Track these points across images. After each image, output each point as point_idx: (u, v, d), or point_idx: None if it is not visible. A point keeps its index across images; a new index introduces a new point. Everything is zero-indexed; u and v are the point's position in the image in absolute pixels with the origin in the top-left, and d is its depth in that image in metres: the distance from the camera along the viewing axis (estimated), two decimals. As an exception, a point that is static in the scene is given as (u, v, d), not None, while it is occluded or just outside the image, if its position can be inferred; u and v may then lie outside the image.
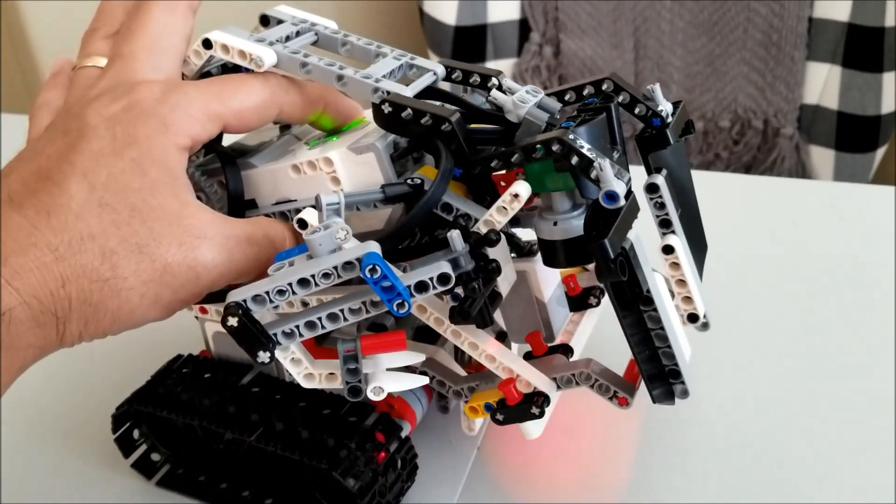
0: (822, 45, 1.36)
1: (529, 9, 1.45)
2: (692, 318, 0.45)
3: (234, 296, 0.36)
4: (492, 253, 0.39)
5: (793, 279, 0.68)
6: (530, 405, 0.42)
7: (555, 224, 0.38)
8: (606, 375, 0.44)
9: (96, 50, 0.44)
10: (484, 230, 0.39)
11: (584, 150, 0.36)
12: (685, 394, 0.42)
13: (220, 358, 0.51)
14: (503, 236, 0.39)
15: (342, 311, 0.37)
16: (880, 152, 1.38)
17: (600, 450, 0.53)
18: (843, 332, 0.62)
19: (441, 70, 0.45)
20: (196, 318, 0.50)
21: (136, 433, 0.51)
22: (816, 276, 0.68)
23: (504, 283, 0.41)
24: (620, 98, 0.43)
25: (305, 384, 0.41)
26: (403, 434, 0.48)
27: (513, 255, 0.44)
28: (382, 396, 0.39)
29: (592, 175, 0.36)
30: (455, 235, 0.36)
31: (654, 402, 0.43)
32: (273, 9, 0.48)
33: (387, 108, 0.40)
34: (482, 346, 0.42)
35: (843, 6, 1.32)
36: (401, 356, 0.40)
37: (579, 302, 0.49)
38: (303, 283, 0.36)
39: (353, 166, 0.41)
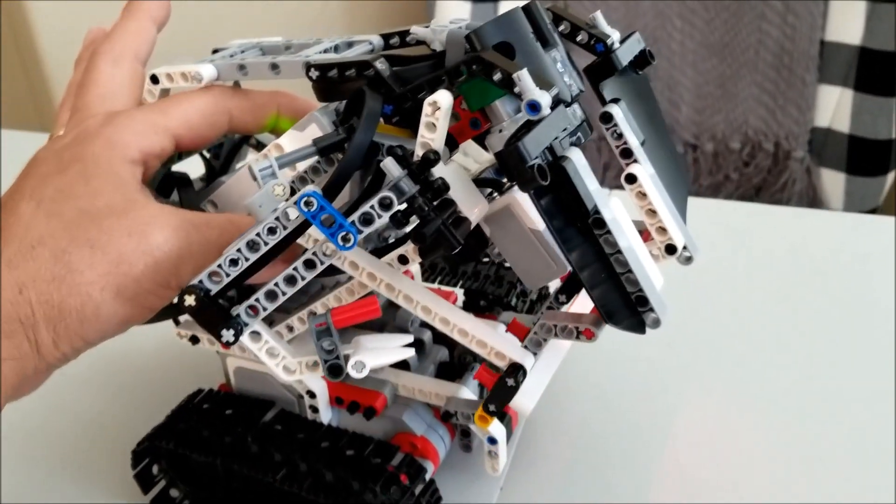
0: (833, 68, 1.35)
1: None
2: (670, 249, 0.43)
3: (193, 279, 0.36)
4: (446, 175, 0.37)
5: (798, 309, 0.68)
6: (505, 379, 0.41)
7: (500, 132, 0.37)
8: (569, 318, 0.42)
9: (64, 120, 0.45)
10: (421, 152, 0.37)
11: (502, 64, 0.35)
12: (657, 323, 0.39)
13: (241, 393, 0.50)
14: (438, 153, 0.37)
15: (295, 269, 0.36)
16: (891, 176, 1.37)
17: (624, 493, 0.53)
18: (848, 358, 0.62)
19: (377, 40, 0.45)
20: (217, 353, 0.49)
21: (155, 468, 0.50)
22: (822, 305, 0.68)
23: (470, 209, 0.38)
24: (561, 27, 0.42)
25: (285, 377, 0.39)
26: (427, 476, 0.47)
27: (494, 194, 0.44)
28: (364, 373, 0.37)
29: (515, 90, 0.35)
30: (389, 162, 0.35)
31: (622, 328, 0.40)
32: (227, 43, 0.49)
33: (314, 74, 0.40)
34: (453, 320, 0.41)
35: (856, 29, 1.31)
36: (388, 352, 0.39)
37: None
38: (251, 245, 0.35)
39: (303, 144, 0.40)
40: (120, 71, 0.44)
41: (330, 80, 0.40)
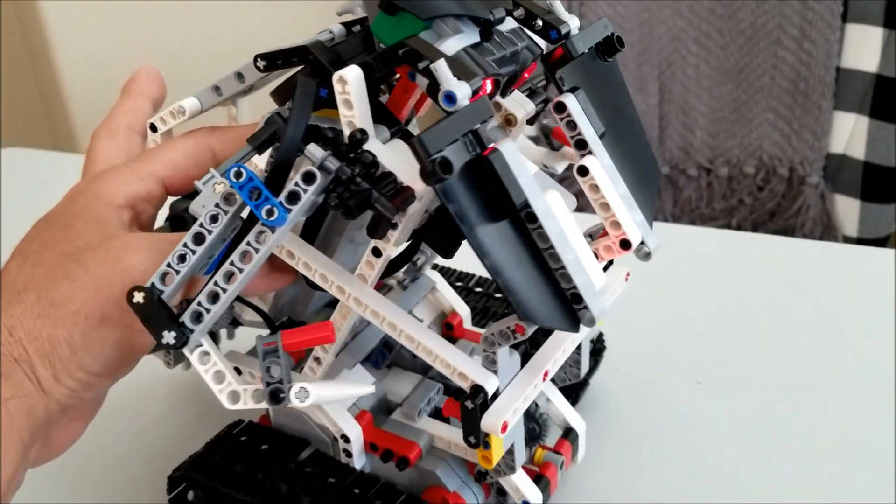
0: (849, 94, 1.35)
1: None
2: (624, 244, 0.41)
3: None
4: (386, 151, 0.37)
5: (807, 342, 0.68)
6: (465, 403, 0.40)
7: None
8: (506, 321, 0.41)
9: None
10: (348, 131, 0.37)
11: (425, 52, 0.35)
12: (592, 322, 0.38)
13: (279, 428, 0.50)
14: (366, 131, 0.36)
15: (231, 262, 0.36)
16: (905, 203, 1.37)
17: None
18: (856, 392, 0.62)
19: (338, 28, 0.44)
20: None
21: (190, 495, 0.50)
22: (831, 340, 0.68)
23: (414, 179, 0.36)
24: (517, 13, 0.41)
25: (229, 405, 0.37)
26: None
27: None
28: (308, 402, 0.35)
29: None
30: (311, 148, 0.35)
31: (554, 327, 0.39)
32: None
33: (261, 63, 0.41)
34: (418, 338, 0.41)
35: (872, 57, 1.32)
36: (345, 386, 0.38)
37: None
38: (197, 238, 0.36)
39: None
40: (115, 143, 0.46)
41: (288, 84, 0.41)
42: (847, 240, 1.39)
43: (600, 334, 0.61)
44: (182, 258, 0.36)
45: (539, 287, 0.37)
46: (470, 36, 0.37)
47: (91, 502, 0.55)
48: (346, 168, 0.35)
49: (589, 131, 0.41)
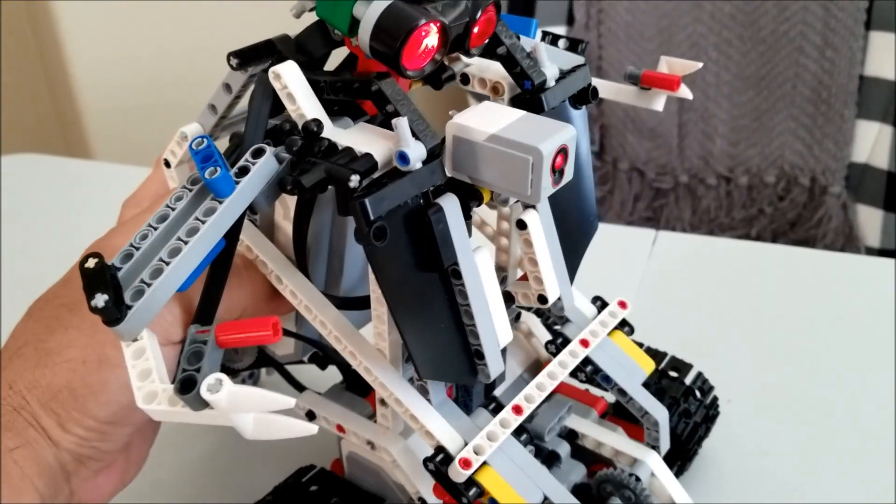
0: (872, 103, 1.33)
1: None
2: (542, 299, 0.44)
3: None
4: (349, 134, 0.37)
5: (830, 356, 0.66)
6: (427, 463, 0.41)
7: None
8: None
9: None
10: (300, 124, 0.37)
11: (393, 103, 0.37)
12: (487, 377, 0.41)
13: (352, 480, 0.47)
14: (321, 122, 0.37)
15: (178, 238, 0.34)
16: (930, 214, 1.35)
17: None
18: (885, 403, 0.61)
19: None
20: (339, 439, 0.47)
21: None
22: (854, 352, 0.67)
23: (373, 147, 0.37)
24: (499, 50, 0.42)
25: (142, 404, 0.32)
26: None
27: None
28: (220, 394, 0.29)
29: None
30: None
31: (449, 380, 0.42)
32: None
33: (234, 62, 0.41)
34: (391, 388, 0.41)
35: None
36: (262, 396, 0.31)
37: None
38: (161, 217, 0.35)
39: None
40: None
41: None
42: (870, 251, 1.37)
43: (714, 399, 0.56)
44: (144, 237, 0.34)
45: (449, 338, 0.40)
46: None
47: None
48: (297, 139, 0.36)
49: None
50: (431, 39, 0.37)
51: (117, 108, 1.43)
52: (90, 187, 0.93)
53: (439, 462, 0.40)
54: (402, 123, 0.35)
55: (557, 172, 0.37)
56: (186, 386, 0.30)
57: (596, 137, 1.46)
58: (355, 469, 0.47)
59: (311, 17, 0.41)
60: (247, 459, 0.58)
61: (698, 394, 0.54)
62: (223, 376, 0.29)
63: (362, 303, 0.43)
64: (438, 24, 0.37)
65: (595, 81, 0.50)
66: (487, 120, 0.38)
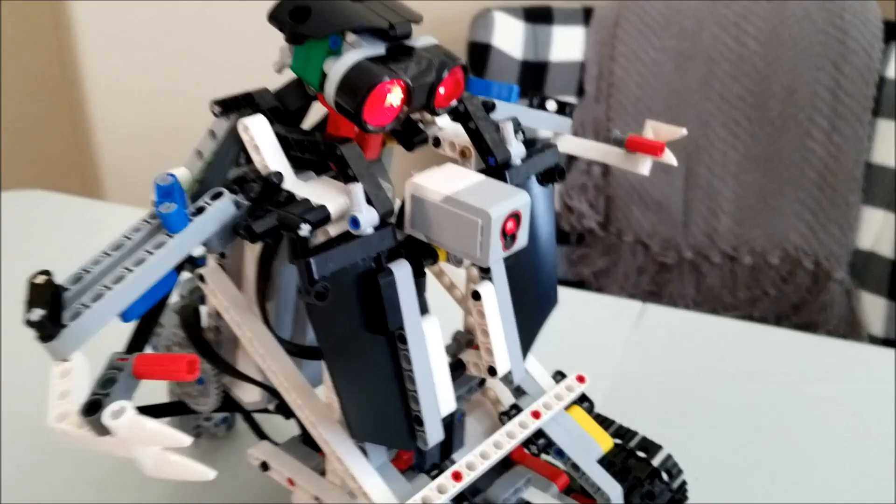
0: (878, 190, 1.33)
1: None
2: (491, 370, 0.45)
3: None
4: (308, 186, 0.39)
5: (827, 445, 0.65)
6: None
7: None
8: None
9: None
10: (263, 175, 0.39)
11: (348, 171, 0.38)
12: (425, 444, 0.41)
13: None
14: (282, 174, 0.38)
15: (125, 267, 0.35)
16: (934, 304, 1.34)
17: None
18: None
19: None
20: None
21: None
22: (852, 444, 0.65)
23: (328, 202, 0.37)
24: (469, 124, 0.43)
25: (52, 422, 0.32)
26: None
27: None
28: (121, 421, 0.30)
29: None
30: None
31: (386, 444, 0.42)
32: None
33: (216, 109, 0.41)
34: (333, 446, 0.41)
35: (903, 154, 1.30)
36: (166, 435, 0.31)
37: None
38: (116, 245, 0.36)
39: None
40: None
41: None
42: (873, 339, 1.35)
43: (683, 483, 0.54)
44: (96, 262, 0.35)
45: (388, 402, 0.40)
46: (374, 49, 0.38)
47: None
48: (255, 186, 0.37)
49: (496, 263, 0.43)
50: (395, 97, 0.38)
51: (133, 151, 1.46)
52: (97, 226, 0.95)
53: None
54: (356, 189, 0.36)
55: (509, 237, 0.38)
56: (91, 409, 0.31)
57: (601, 208, 1.46)
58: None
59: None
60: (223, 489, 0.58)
61: (665, 476, 0.53)
62: (128, 404, 0.30)
63: (317, 353, 0.43)
64: (402, 83, 0.38)
65: (584, 143, 0.51)
66: (445, 181, 0.38)
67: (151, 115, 1.46)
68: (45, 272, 0.34)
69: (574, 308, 0.83)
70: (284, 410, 0.50)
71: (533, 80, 1.43)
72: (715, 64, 1.39)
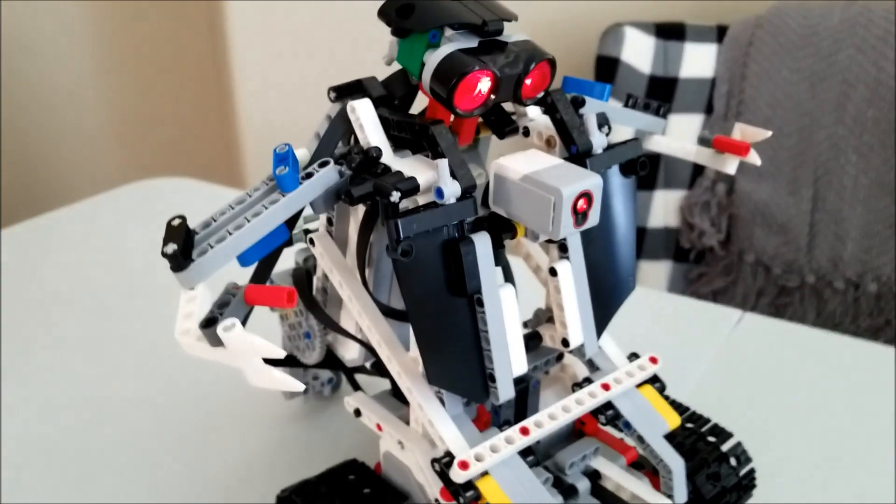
0: None
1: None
2: (564, 342, 0.49)
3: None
4: (403, 161, 0.44)
5: None
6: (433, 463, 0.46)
7: None
8: None
9: None
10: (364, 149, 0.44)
11: (437, 148, 0.43)
12: (497, 399, 0.45)
13: (386, 478, 0.52)
14: (381, 149, 0.44)
15: (245, 217, 0.41)
16: None
17: None
18: None
19: None
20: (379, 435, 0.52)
21: None
22: None
23: (419, 175, 0.43)
24: (556, 116, 0.47)
25: (177, 335, 0.38)
26: None
27: None
28: (231, 333, 0.36)
29: None
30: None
31: (459, 393, 0.46)
32: None
33: (332, 95, 0.47)
34: (416, 394, 0.46)
35: None
36: (266, 347, 0.36)
37: None
38: (240, 200, 0.42)
39: None
40: None
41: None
42: None
43: (751, 470, 0.57)
44: (222, 213, 0.42)
45: (466, 357, 0.44)
46: (468, 43, 0.43)
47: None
48: (356, 155, 0.43)
49: (573, 244, 0.47)
50: (484, 85, 0.43)
51: (274, 143, 1.58)
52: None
53: (444, 463, 0.44)
54: (443, 164, 0.41)
55: (580, 215, 0.42)
56: (208, 323, 0.37)
57: (723, 227, 1.46)
58: (389, 467, 0.52)
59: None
60: (307, 452, 0.64)
61: (734, 461, 0.55)
62: (237, 321, 0.36)
63: (406, 316, 0.48)
64: (491, 73, 0.43)
65: (673, 143, 0.54)
66: (526, 162, 0.43)
67: (291, 110, 1.57)
68: (181, 216, 0.40)
69: (671, 309, 0.86)
70: (379, 368, 0.56)
71: (661, 95, 1.44)
72: (850, 87, 1.36)
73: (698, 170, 1.46)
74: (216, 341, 0.37)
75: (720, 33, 1.46)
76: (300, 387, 0.37)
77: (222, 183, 1.28)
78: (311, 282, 0.55)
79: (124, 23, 1.73)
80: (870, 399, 0.71)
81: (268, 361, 0.42)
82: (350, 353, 0.56)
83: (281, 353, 0.36)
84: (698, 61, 1.46)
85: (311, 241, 0.51)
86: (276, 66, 1.59)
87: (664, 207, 1.49)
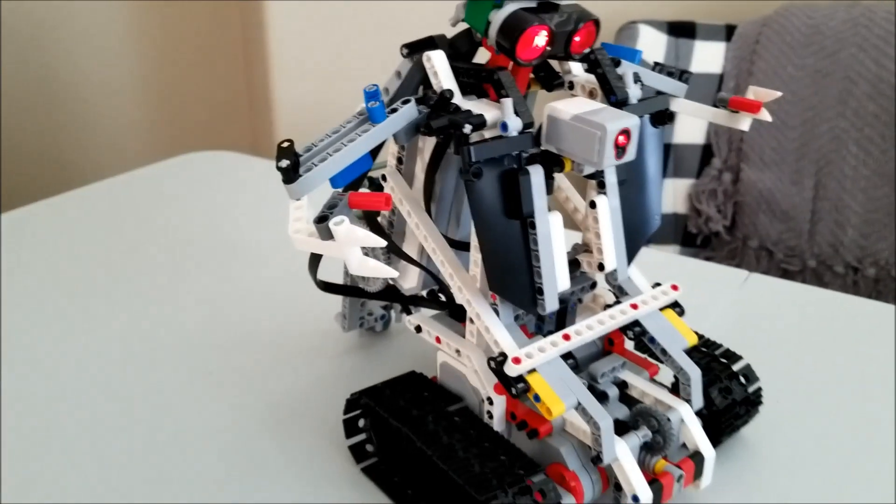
0: None
1: (714, 136, 1.53)
2: (600, 266, 0.58)
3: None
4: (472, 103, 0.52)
5: None
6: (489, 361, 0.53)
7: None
8: None
9: None
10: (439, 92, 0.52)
11: (502, 90, 0.51)
12: (543, 309, 0.53)
13: (442, 384, 0.60)
14: (453, 91, 0.52)
15: (342, 143, 0.49)
16: None
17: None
18: None
19: None
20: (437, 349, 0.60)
21: (361, 422, 0.62)
22: None
23: (486, 113, 0.51)
24: (598, 70, 0.55)
25: (291, 233, 0.48)
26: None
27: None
28: (341, 227, 0.44)
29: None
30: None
31: (511, 300, 0.54)
32: None
33: (404, 51, 0.55)
34: (475, 305, 0.54)
35: None
36: (371, 237, 0.45)
37: None
38: (335, 130, 0.50)
39: None
40: None
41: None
42: None
43: (758, 389, 0.64)
44: (322, 140, 0.50)
45: (519, 272, 0.53)
46: (528, 3, 0.52)
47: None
48: (432, 94, 0.51)
49: (611, 178, 0.56)
50: (541, 39, 0.51)
51: (304, 121, 1.67)
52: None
53: (499, 361, 0.52)
54: (507, 103, 0.50)
55: (620, 149, 0.50)
56: (321, 220, 0.46)
57: (729, 213, 1.54)
58: (445, 375, 0.60)
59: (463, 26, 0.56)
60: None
61: (743, 379, 0.63)
62: (345, 217, 0.44)
63: (464, 246, 0.57)
64: (547, 28, 0.51)
65: (693, 104, 0.62)
66: (574, 106, 0.51)
67: (324, 91, 1.66)
68: (289, 140, 0.49)
69: (682, 269, 0.94)
70: (434, 298, 0.64)
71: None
72: (852, 83, 1.45)
73: (706, 159, 1.55)
74: (327, 235, 0.45)
75: (729, 32, 1.54)
76: (394, 273, 0.45)
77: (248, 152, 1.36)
78: (378, 214, 0.64)
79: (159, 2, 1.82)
80: (869, 352, 0.78)
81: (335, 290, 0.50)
82: (409, 282, 0.64)
83: (382, 242, 0.44)
84: (708, 58, 1.55)
85: (384, 178, 0.59)
86: (309, 47, 1.67)
87: (673, 195, 1.57)
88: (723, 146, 1.53)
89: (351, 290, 0.67)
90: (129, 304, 0.85)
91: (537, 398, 0.51)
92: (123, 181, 1.21)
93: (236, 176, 1.23)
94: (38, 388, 0.71)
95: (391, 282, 0.66)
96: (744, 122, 0.61)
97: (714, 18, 1.59)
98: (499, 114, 0.51)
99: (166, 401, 0.70)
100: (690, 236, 1.58)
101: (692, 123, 1.54)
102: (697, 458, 0.56)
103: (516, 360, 0.52)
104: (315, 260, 0.61)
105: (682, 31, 1.55)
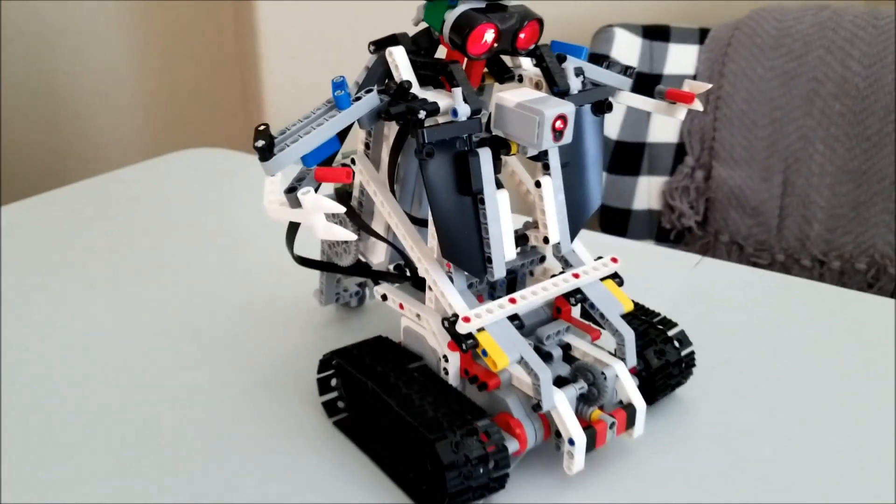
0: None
1: (688, 135, 1.60)
2: (545, 239, 0.64)
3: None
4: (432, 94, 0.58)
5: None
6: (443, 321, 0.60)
7: None
8: None
9: None
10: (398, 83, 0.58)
11: (453, 81, 0.58)
12: (492, 276, 0.60)
13: (405, 346, 0.67)
14: (411, 82, 0.58)
15: (311, 127, 0.56)
16: None
17: None
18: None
19: None
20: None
21: (333, 382, 0.68)
22: None
23: (440, 101, 0.57)
24: (542, 65, 0.62)
25: (265, 203, 0.54)
26: (508, 448, 0.58)
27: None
28: (308, 195, 0.51)
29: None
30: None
31: (463, 268, 0.60)
32: None
33: (371, 48, 0.62)
34: (432, 273, 0.61)
35: None
36: (333, 205, 0.51)
37: None
38: (306, 116, 0.57)
39: None
40: None
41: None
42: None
43: (692, 352, 0.69)
44: (294, 124, 0.57)
45: (470, 242, 0.59)
46: (477, 5, 0.59)
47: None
48: (392, 85, 0.58)
49: (555, 162, 0.63)
50: (489, 36, 0.58)
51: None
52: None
53: (452, 321, 0.59)
54: (457, 92, 0.56)
55: (557, 133, 0.57)
56: (290, 190, 0.53)
57: (701, 209, 1.61)
58: (408, 338, 0.66)
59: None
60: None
61: (677, 343, 0.70)
62: (311, 188, 0.51)
63: (422, 222, 0.64)
64: (494, 26, 0.58)
65: (636, 97, 0.69)
66: (519, 95, 0.58)
67: (315, 89, 1.72)
68: (265, 124, 0.56)
69: (641, 253, 1.00)
70: (400, 272, 0.71)
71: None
72: (819, 83, 1.51)
73: (679, 157, 1.62)
74: (296, 203, 0.52)
75: (702, 35, 1.61)
76: (353, 237, 0.52)
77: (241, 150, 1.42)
78: (350, 196, 0.71)
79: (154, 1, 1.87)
80: (806, 328, 0.84)
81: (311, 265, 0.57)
82: (377, 257, 0.71)
83: (342, 209, 0.51)
84: (681, 60, 1.61)
85: (353, 161, 0.66)
86: (301, 46, 1.73)
87: (647, 192, 1.64)
88: (695, 145, 1.60)
89: (325, 265, 0.74)
90: (123, 296, 0.91)
91: (485, 353, 0.58)
92: (120, 176, 1.28)
93: (229, 172, 1.30)
94: (36, 378, 0.76)
95: (361, 258, 0.73)
96: (680, 112, 0.67)
97: (688, 22, 1.66)
98: (451, 102, 0.58)
99: (160, 384, 0.76)
100: (664, 231, 1.65)
101: (666, 123, 1.61)
102: (630, 409, 0.62)
103: (466, 320, 0.58)
104: (292, 234, 0.68)
105: (656, 34, 1.62)
